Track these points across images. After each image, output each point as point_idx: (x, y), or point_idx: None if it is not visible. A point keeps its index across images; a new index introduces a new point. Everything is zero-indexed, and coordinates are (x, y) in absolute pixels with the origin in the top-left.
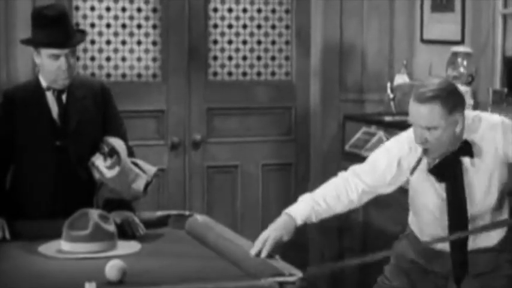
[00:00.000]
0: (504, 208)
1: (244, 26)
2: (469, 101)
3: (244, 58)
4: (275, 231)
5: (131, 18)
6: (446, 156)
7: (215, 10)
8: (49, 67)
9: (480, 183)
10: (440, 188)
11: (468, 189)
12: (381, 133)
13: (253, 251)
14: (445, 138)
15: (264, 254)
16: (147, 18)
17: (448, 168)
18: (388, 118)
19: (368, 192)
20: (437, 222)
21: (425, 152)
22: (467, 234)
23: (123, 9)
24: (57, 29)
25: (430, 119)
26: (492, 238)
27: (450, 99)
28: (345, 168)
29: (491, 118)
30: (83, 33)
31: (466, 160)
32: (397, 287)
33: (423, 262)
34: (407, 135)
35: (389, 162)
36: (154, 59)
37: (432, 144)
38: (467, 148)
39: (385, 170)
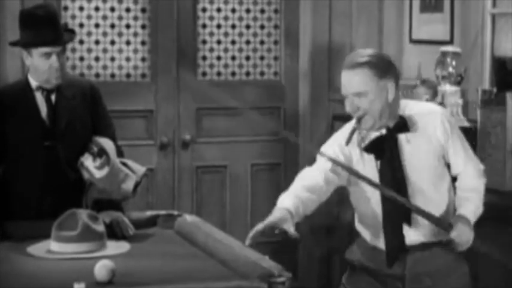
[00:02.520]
0: (448, 204)
1: (233, 26)
2: (458, 100)
3: (233, 58)
4: (266, 220)
5: (120, 18)
6: (381, 134)
7: (204, 10)
8: (41, 66)
9: (416, 162)
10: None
11: (405, 169)
12: None
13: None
14: (377, 105)
15: (251, 234)
16: (135, 18)
17: (383, 144)
18: None
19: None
20: (377, 210)
21: (359, 121)
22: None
23: (112, 9)
24: (47, 28)
25: (360, 84)
26: (437, 232)
27: (380, 64)
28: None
29: (430, 105)
30: (72, 32)
31: (401, 137)
32: None
33: (373, 265)
34: (348, 126)
35: (334, 153)
36: (143, 59)
37: (364, 111)
38: (402, 123)
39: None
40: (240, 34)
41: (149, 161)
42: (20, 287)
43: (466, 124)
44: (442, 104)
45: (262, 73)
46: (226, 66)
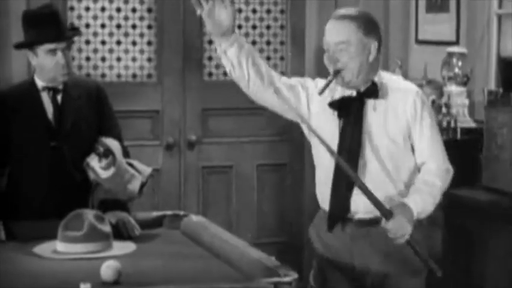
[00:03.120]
0: (405, 186)
1: (239, 27)
2: (464, 101)
3: None
4: None
5: (126, 18)
6: (350, 94)
7: None
8: (47, 64)
9: (377, 132)
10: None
11: (364, 136)
12: None
13: None
14: (356, 62)
15: None
16: (142, 19)
17: (349, 105)
18: None
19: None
20: (331, 168)
21: (337, 73)
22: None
23: (118, 10)
24: (50, 25)
25: (345, 33)
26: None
27: (366, 23)
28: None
29: (408, 83)
30: (77, 30)
31: (370, 103)
32: None
33: (330, 255)
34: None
35: (298, 83)
36: (149, 59)
37: (343, 63)
38: (373, 88)
39: (294, 88)
40: (247, 34)
41: (155, 162)
42: (25, 287)
43: (472, 125)
44: (448, 105)
45: None
46: None
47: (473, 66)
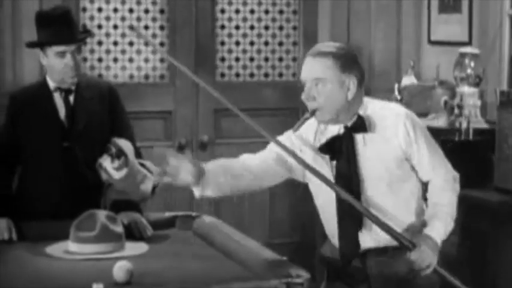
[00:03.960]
0: (412, 210)
1: (252, 27)
2: (477, 102)
3: (252, 59)
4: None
5: (139, 19)
6: (338, 133)
7: (222, 11)
8: (56, 66)
9: (371, 166)
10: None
11: (360, 172)
12: None
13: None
14: (334, 101)
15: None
16: (154, 19)
17: (340, 144)
18: None
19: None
20: (332, 209)
21: (313, 113)
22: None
23: (131, 11)
24: (61, 26)
25: (320, 71)
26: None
27: (344, 58)
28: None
29: (394, 106)
30: (89, 32)
31: (359, 138)
32: None
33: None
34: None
35: (279, 153)
36: (161, 60)
37: (319, 104)
38: (360, 122)
39: (278, 155)
40: (259, 35)
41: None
42: (38, 287)
43: (484, 125)
44: (460, 105)
45: (280, 74)
46: (244, 67)
47: (486, 67)
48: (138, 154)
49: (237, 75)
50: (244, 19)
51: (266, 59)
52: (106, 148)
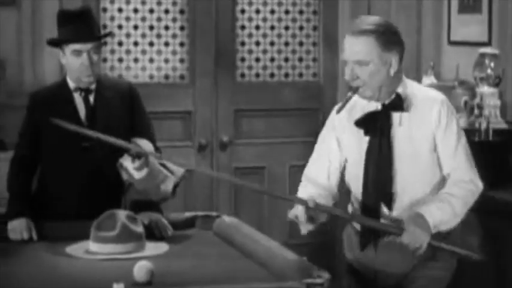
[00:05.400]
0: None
1: (272, 27)
2: (496, 102)
3: (272, 59)
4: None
5: (159, 19)
6: (375, 109)
7: (242, 11)
8: (72, 64)
9: (406, 147)
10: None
11: (392, 150)
12: None
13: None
14: (377, 78)
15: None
16: (174, 20)
17: (375, 121)
18: None
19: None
20: (359, 195)
21: (356, 90)
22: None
23: (151, 11)
24: (80, 25)
25: (363, 52)
26: None
27: (386, 35)
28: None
29: (433, 91)
30: (109, 32)
31: (395, 116)
32: None
33: (356, 255)
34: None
35: (329, 144)
36: (181, 61)
37: (363, 81)
38: (397, 100)
39: (328, 154)
40: (279, 35)
41: (188, 162)
42: (58, 287)
43: (504, 126)
44: (480, 106)
45: (301, 74)
46: (265, 67)
47: (506, 67)
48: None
49: (257, 75)
50: (264, 19)
51: (286, 59)
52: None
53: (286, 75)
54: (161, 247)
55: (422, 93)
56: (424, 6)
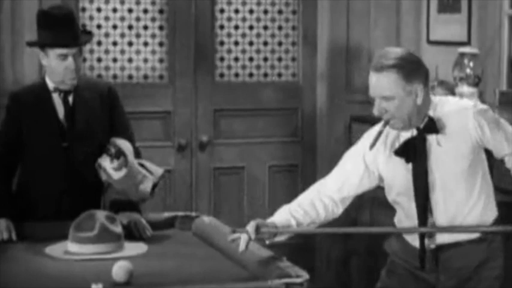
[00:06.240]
0: (480, 204)
1: (251, 27)
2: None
3: (251, 59)
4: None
5: (138, 19)
6: (411, 136)
7: (222, 11)
8: (57, 68)
9: (448, 165)
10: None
11: (435, 171)
12: None
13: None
14: (404, 109)
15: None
16: (153, 19)
17: (413, 147)
18: None
19: (343, 197)
20: (411, 211)
21: (386, 124)
22: (441, 231)
23: (130, 11)
24: (64, 29)
25: (387, 88)
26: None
27: (408, 68)
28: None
29: (461, 101)
30: (90, 34)
31: (432, 138)
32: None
33: (407, 258)
34: (376, 128)
35: (355, 162)
36: (160, 60)
37: (392, 114)
38: (430, 124)
39: (351, 172)
40: (258, 35)
41: (167, 163)
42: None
43: None
44: None
45: (280, 74)
46: (244, 67)
47: (485, 67)
48: (137, 154)
49: (236, 75)
50: (244, 19)
51: (265, 59)
52: (105, 148)
53: (265, 75)
54: (140, 247)
55: (452, 109)
56: (403, 5)
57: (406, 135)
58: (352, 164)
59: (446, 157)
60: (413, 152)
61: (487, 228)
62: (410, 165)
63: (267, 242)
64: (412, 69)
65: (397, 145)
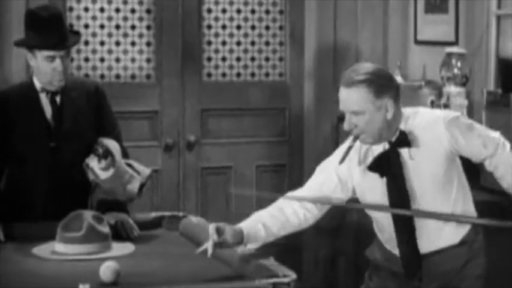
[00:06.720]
0: (457, 211)
1: (238, 27)
2: (463, 101)
3: (238, 59)
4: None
5: (125, 19)
6: (384, 150)
7: (209, 11)
8: (44, 69)
9: (422, 178)
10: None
11: (410, 184)
12: None
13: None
14: (375, 124)
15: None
16: (141, 19)
17: (387, 161)
18: None
19: (312, 208)
20: (388, 220)
21: (356, 138)
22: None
23: (117, 10)
24: (52, 31)
25: (356, 103)
26: (452, 236)
27: (378, 83)
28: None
29: (432, 112)
30: (78, 34)
31: (404, 151)
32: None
33: (390, 265)
34: (346, 144)
35: (328, 175)
36: (148, 60)
37: (362, 129)
38: (402, 137)
39: (323, 184)
40: (245, 35)
41: (154, 162)
42: None
43: None
44: (446, 105)
45: (267, 74)
46: (231, 67)
47: (473, 67)
48: (125, 154)
49: (224, 75)
50: (231, 19)
51: (253, 59)
52: (93, 148)
53: (253, 74)
54: (127, 247)
55: (424, 121)
56: (390, 5)
57: (378, 148)
58: (325, 176)
59: (420, 169)
60: (388, 166)
61: (467, 219)
62: (385, 179)
63: (247, 246)
64: (382, 84)
65: (370, 158)
